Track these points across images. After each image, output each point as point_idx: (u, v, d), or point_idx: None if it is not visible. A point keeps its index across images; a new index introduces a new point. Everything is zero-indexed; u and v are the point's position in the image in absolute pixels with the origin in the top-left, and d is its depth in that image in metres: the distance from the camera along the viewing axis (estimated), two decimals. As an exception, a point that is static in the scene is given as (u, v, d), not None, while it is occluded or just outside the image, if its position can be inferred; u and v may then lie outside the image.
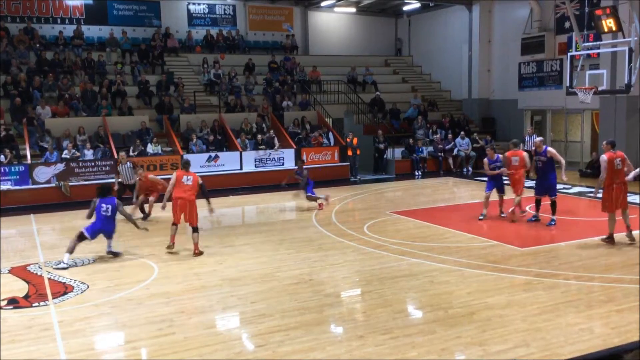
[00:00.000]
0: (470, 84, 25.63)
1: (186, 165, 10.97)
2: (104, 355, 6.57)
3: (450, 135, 22.22)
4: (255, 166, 19.48)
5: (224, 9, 26.62)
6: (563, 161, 12.20)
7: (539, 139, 12.66)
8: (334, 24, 28.99)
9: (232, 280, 8.90)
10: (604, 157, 10.43)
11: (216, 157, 18.94)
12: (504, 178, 13.14)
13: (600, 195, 10.72)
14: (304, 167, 15.29)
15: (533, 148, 12.52)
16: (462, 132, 22.10)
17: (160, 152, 18.67)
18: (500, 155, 13.26)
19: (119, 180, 14.35)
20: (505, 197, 13.14)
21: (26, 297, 8.37)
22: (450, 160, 21.62)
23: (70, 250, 9.94)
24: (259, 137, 19.89)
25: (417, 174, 21.01)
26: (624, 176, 10.41)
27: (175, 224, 10.64)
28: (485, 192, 13.05)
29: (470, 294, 7.94)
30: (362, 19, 29.39)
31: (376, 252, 10.30)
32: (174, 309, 7.64)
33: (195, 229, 10.58)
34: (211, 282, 8.85)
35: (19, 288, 8.72)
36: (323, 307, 7.67)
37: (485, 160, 13.21)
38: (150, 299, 8.06)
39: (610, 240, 10.51)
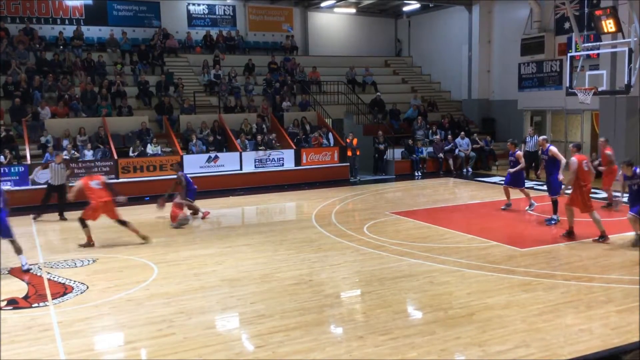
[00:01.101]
0: (470, 85, 25.62)
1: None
2: (103, 356, 6.56)
3: (450, 136, 22.23)
4: (255, 167, 19.47)
5: (224, 10, 26.63)
6: (564, 160, 12.21)
7: (542, 137, 12.90)
8: (333, 24, 28.99)
9: (231, 280, 8.90)
10: (574, 160, 10.72)
11: (216, 157, 18.95)
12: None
13: (568, 191, 11.03)
14: (182, 172, 14.09)
15: (540, 147, 12.63)
16: (462, 133, 22.11)
17: (160, 152, 18.67)
18: (518, 152, 13.79)
19: (49, 181, 14.41)
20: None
21: (26, 297, 8.37)
22: (450, 161, 21.62)
23: (18, 251, 9.51)
24: (259, 137, 19.89)
25: (417, 174, 21.02)
26: (590, 180, 10.83)
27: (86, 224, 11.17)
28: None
29: (470, 295, 7.94)
30: (362, 20, 29.39)
31: (376, 253, 10.30)
32: (174, 310, 7.63)
33: (122, 222, 11.16)
34: (211, 282, 8.85)
35: (18, 289, 8.73)
36: (323, 307, 7.66)
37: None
38: (150, 300, 8.06)
39: (570, 235, 10.84)
